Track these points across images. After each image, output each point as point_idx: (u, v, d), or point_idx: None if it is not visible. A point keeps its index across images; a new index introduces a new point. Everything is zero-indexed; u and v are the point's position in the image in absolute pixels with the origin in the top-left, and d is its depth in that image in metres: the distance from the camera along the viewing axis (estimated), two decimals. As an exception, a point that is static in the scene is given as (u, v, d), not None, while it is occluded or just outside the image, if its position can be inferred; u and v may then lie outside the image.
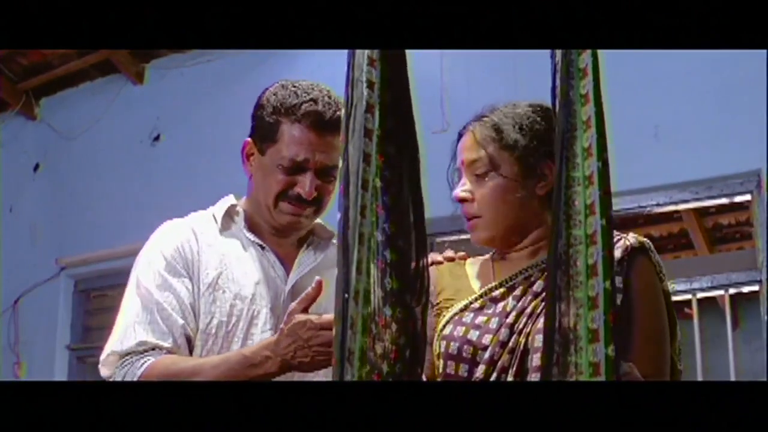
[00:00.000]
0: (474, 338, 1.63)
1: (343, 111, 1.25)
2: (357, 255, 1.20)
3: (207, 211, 2.00)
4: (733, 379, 3.88)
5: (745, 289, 3.82)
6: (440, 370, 1.64)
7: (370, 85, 1.24)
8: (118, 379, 1.81)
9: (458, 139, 1.79)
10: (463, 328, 1.65)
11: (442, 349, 1.65)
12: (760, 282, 3.55)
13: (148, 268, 1.88)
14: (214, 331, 1.84)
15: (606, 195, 1.13)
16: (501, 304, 1.66)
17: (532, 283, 1.67)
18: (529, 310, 1.63)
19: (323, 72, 4.13)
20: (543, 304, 1.61)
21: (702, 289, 3.87)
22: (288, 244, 1.97)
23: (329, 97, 1.89)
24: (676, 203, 3.81)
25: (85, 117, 5.31)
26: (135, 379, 1.77)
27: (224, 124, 4.49)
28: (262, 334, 1.84)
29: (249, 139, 1.94)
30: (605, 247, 1.11)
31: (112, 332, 1.86)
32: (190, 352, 1.84)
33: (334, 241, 1.99)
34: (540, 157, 1.70)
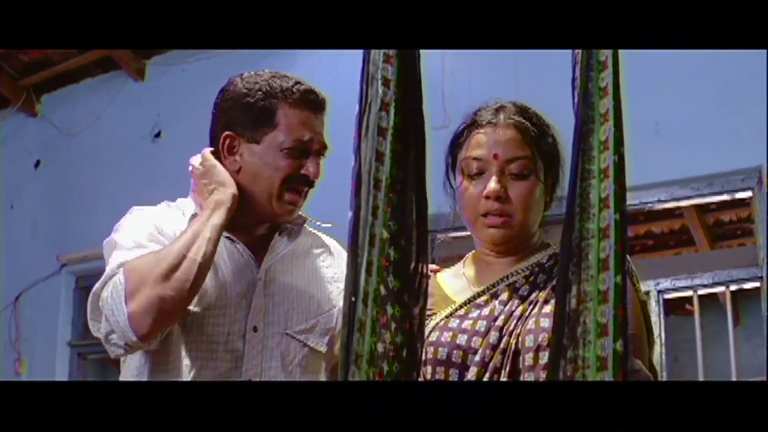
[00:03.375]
0: (463, 342, 1.62)
1: (357, 108, 1.24)
2: (367, 257, 1.18)
3: (175, 203, 1.96)
4: (734, 375, 3.88)
5: (746, 286, 3.83)
6: (428, 377, 1.63)
7: (386, 82, 1.23)
8: (105, 296, 1.73)
9: (468, 128, 1.75)
10: (451, 334, 1.64)
11: (429, 356, 1.63)
12: (761, 278, 3.56)
13: (130, 235, 1.83)
14: (186, 318, 1.80)
15: (621, 189, 1.12)
16: (486, 309, 1.66)
17: (518, 288, 1.67)
18: (517, 312, 1.63)
19: (323, 70, 4.16)
20: (531, 307, 1.63)
21: (703, 286, 3.89)
22: (258, 234, 1.93)
23: (304, 81, 1.91)
24: (677, 200, 3.82)
25: (86, 114, 5.31)
26: (121, 287, 1.70)
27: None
28: (232, 324, 1.82)
29: (228, 131, 1.87)
30: (618, 242, 1.10)
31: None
32: None
33: (306, 226, 1.98)
34: (558, 171, 1.73)
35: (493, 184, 1.67)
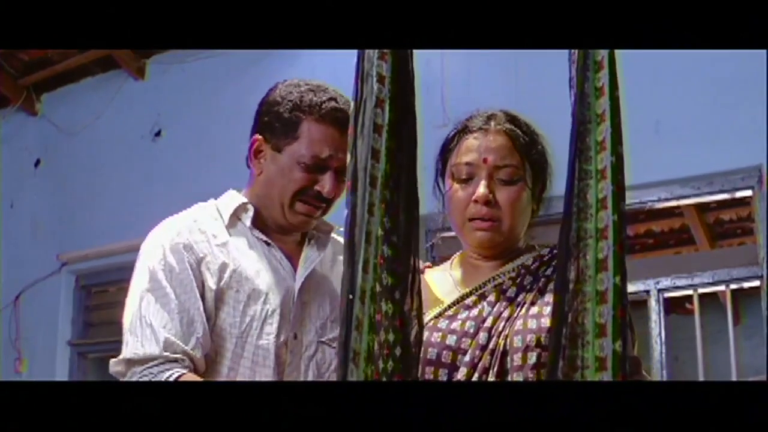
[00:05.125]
0: (452, 343, 1.64)
1: (352, 105, 1.24)
2: (363, 254, 1.19)
3: (209, 204, 1.96)
4: (733, 374, 3.88)
5: (746, 285, 3.83)
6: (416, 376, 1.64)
7: (380, 79, 1.24)
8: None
9: (459, 134, 1.76)
10: (440, 334, 1.65)
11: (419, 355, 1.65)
12: (761, 277, 3.56)
13: (159, 266, 1.82)
14: (228, 330, 1.81)
15: (619, 190, 1.12)
16: (475, 311, 1.68)
17: (505, 290, 1.69)
18: (505, 314, 1.65)
19: (323, 69, 4.14)
20: (518, 308, 1.65)
21: (703, 285, 3.89)
22: (291, 240, 1.95)
23: (342, 96, 1.88)
24: (677, 199, 3.82)
25: (86, 113, 5.31)
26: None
27: (225, 119, 4.49)
28: (270, 335, 1.83)
29: (259, 135, 1.90)
30: (616, 243, 1.10)
31: (127, 337, 1.78)
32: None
33: (334, 234, 2.00)
34: (546, 180, 1.76)
35: (482, 189, 1.69)
